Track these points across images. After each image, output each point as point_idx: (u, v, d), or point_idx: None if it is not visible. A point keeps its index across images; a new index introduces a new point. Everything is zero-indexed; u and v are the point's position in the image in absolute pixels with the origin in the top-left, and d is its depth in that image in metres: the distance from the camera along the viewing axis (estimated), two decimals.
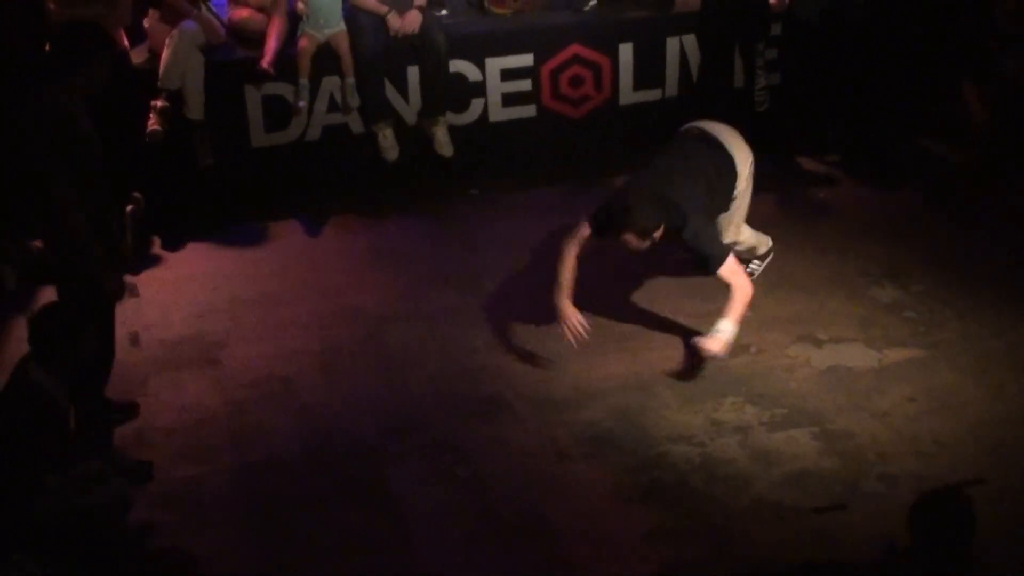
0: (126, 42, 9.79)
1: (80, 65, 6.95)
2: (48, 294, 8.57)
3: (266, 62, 9.83)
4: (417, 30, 10.03)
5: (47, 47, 7.26)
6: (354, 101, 10.14)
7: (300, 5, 9.96)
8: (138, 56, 10.04)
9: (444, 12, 10.73)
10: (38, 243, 8.88)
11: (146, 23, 10.04)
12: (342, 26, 10.00)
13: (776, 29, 10.80)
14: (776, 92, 10.79)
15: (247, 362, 8.30)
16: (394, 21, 10.00)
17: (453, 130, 10.39)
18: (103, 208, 7.12)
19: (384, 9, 10.03)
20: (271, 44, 9.89)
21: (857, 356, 8.08)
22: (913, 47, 10.49)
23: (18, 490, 6.24)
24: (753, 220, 8.93)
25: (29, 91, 7.00)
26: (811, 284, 8.86)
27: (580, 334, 7.89)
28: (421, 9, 10.09)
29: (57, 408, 6.37)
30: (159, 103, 9.61)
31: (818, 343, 8.22)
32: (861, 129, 10.69)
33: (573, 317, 7.91)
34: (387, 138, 10.22)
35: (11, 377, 6.43)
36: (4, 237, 8.92)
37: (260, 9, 10.13)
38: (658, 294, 8.83)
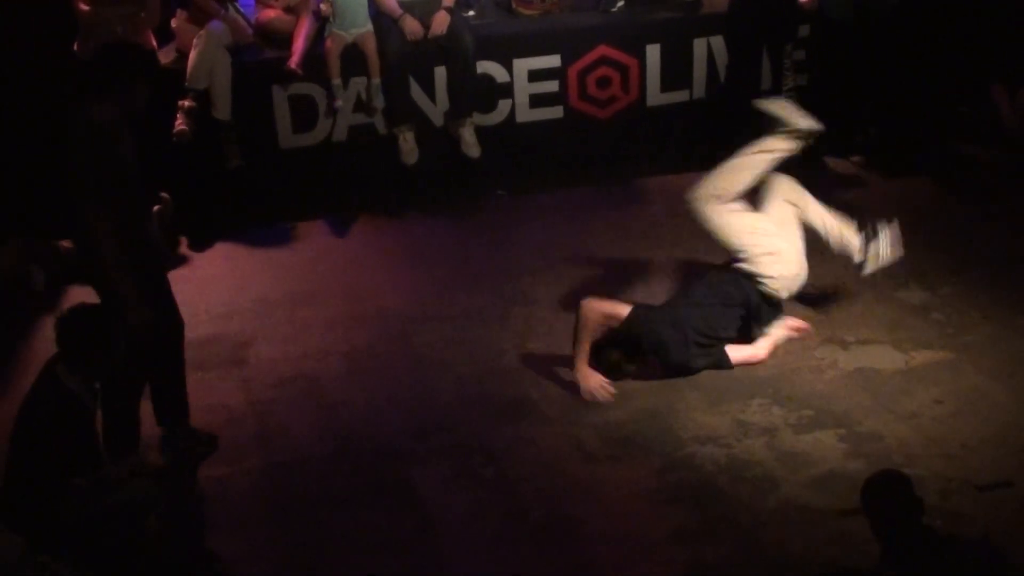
0: (154, 42, 9.81)
1: (124, 86, 6.95)
2: (77, 295, 8.64)
3: (294, 62, 9.85)
4: (445, 31, 10.03)
5: (93, 65, 7.25)
6: (379, 102, 10.15)
7: (324, 7, 9.97)
8: (166, 56, 10.08)
9: (471, 13, 10.73)
10: (66, 243, 8.98)
11: (174, 23, 10.08)
12: (369, 26, 10.01)
13: (804, 30, 10.77)
14: (804, 93, 10.75)
15: (274, 362, 8.32)
16: (410, 25, 10.00)
17: (480, 131, 10.38)
18: (138, 237, 7.08)
19: (398, 12, 10.03)
20: (299, 44, 9.91)
21: (884, 358, 8.05)
22: (943, 48, 10.46)
23: (45, 491, 6.26)
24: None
25: (73, 108, 7.02)
26: (839, 287, 8.81)
27: (605, 396, 7.85)
28: (449, 10, 10.10)
29: (84, 410, 6.38)
30: (187, 103, 9.63)
31: (845, 345, 8.19)
32: (889, 130, 10.65)
33: (595, 380, 7.87)
34: (408, 141, 10.21)
35: (38, 378, 6.44)
36: (33, 237, 8.95)
37: (287, 10, 10.15)
38: None
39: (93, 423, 6.50)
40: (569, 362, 8.04)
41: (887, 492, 5.61)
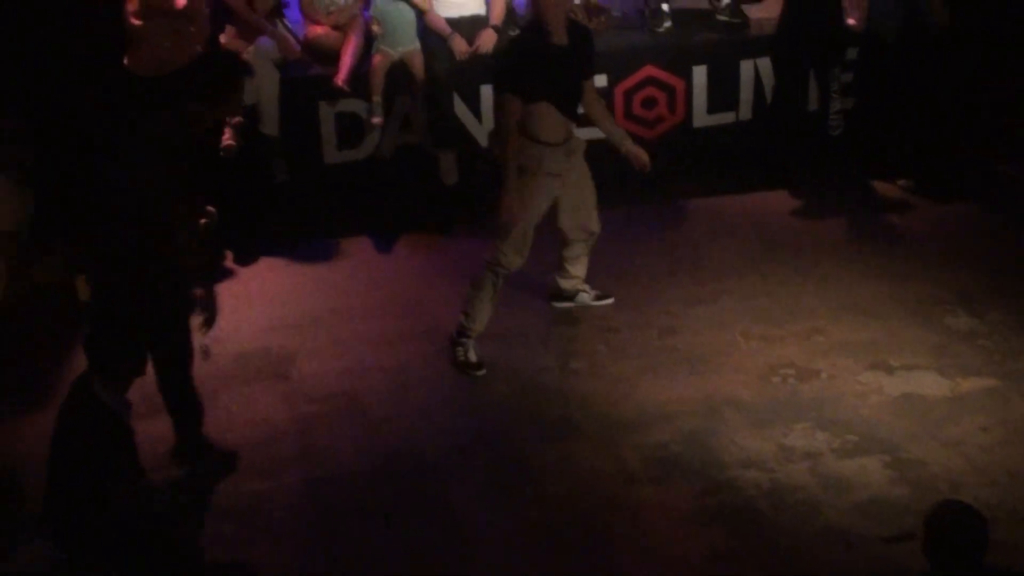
0: None
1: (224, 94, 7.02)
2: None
3: (341, 79, 9.86)
4: (491, 50, 10.04)
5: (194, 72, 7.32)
6: (424, 120, 10.15)
7: (375, 27, 9.98)
8: None
9: (517, 32, 10.71)
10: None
11: (223, 39, 10.11)
12: (416, 44, 10.02)
13: (852, 53, 10.72)
14: (850, 116, 10.71)
15: (316, 377, 8.33)
16: (459, 44, 10.01)
17: None
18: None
19: (447, 31, 10.04)
20: (346, 61, 9.92)
21: (930, 384, 8.00)
22: (990, 70, 10.40)
23: (83, 503, 6.27)
24: (822, 246, 8.88)
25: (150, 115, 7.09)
26: (884, 310, 8.77)
27: None
28: (496, 29, 10.10)
29: (117, 421, 6.39)
30: (234, 118, 9.65)
31: (890, 370, 8.14)
32: (936, 153, 10.59)
33: None
34: (448, 162, 10.18)
35: (71, 391, 6.46)
36: (78, 246, 8.99)
37: (335, 27, 10.17)
38: (728, 317, 8.78)
39: (128, 434, 6.51)
40: (612, 383, 8.03)
41: (956, 524, 5.45)
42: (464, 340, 8.37)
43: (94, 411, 6.32)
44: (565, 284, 8.88)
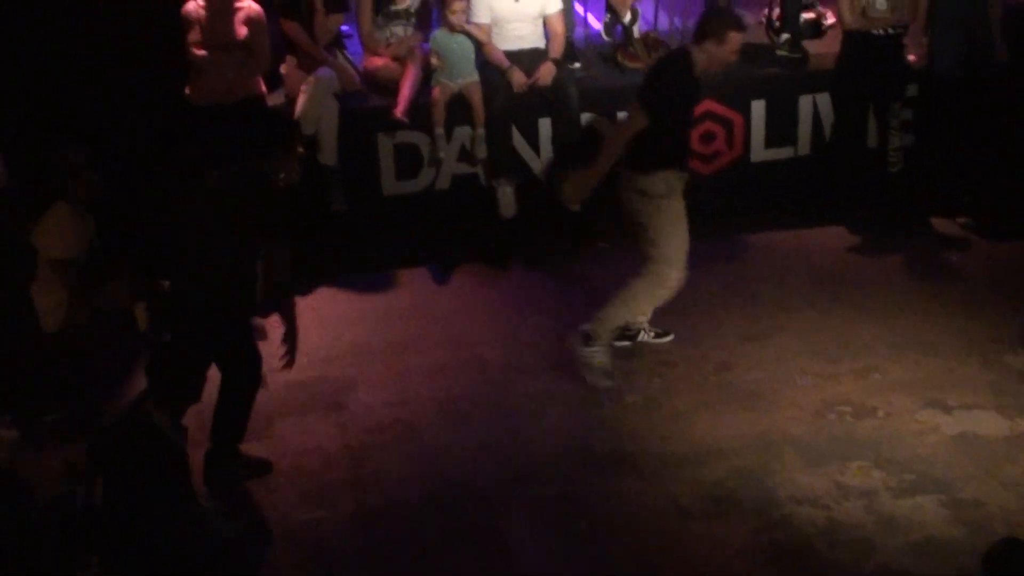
0: (263, 87, 9.92)
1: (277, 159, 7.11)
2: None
3: (400, 111, 9.90)
4: (550, 83, 10.06)
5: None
6: (482, 152, 10.17)
7: (434, 60, 10.02)
8: (274, 101, 10.17)
9: (577, 65, 10.74)
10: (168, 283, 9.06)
11: (283, 69, 10.18)
12: (475, 76, 10.06)
13: (912, 89, 10.68)
14: (909, 152, 10.66)
15: (371, 407, 8.35)
16: (517, 77, 10.03)
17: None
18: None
19: (506, 63, 10.08)
20: (405, 93, 9.95)
21: (988, 423, 7.93)
22: None
23: (138, 528, 6.30)
24: (880, 283, 8.85)
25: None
26: (942, 348, 8.72)
27: None
28: (555, 62, 10.12)
29: (172, 446, 6.43)
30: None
31: (948, 409, 8.08)
32: (995, 191, 10.52)
33: None
34: (507, 195, 10.19)
35: (128, 415, 6.50)
36: (140, 275, 9.05)
37: (395, 58, 10.22)
38: (784, 353, 8.75)
39: (184, 459, 6.55)
40: (667, 417, 8.00)
41: (1013, 564, 5.38)
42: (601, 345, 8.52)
43: (149, 435, 6.37)
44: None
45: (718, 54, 8.18)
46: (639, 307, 8.57)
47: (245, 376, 7.36)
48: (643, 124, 8.16)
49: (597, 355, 8.48)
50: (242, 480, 7.55)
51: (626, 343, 8.87)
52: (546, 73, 10.06)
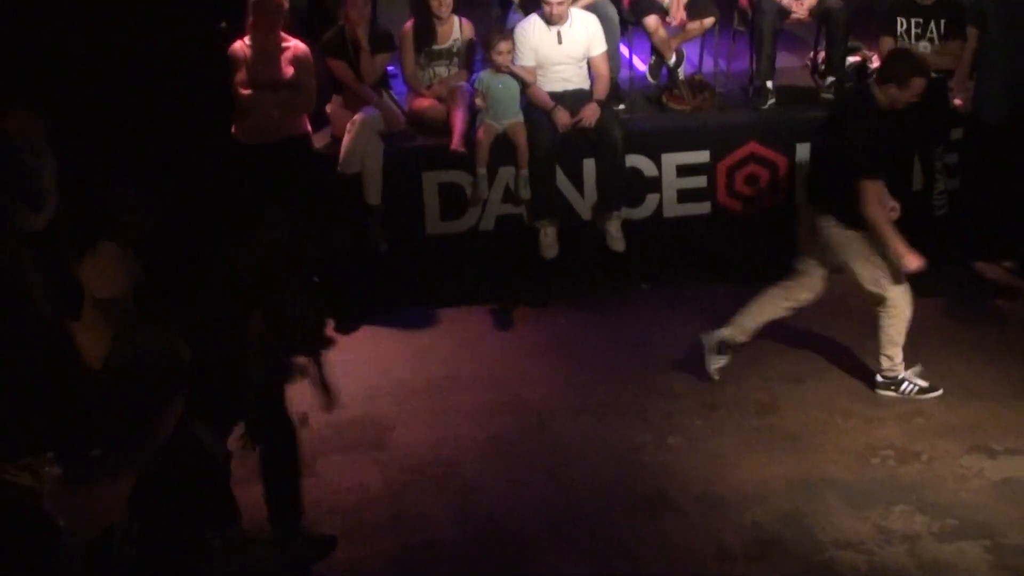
0: (309, 127, 9.99)
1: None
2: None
3: (455, 144, 9.91)
4: (593, 124, 10.08)
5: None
6: (526, 193, 10.19)
7: (479, 101, 10.06)
8: (320, 140, 10.24)
9: (622, 107, 10.77)
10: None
11: (328, 108, 10.26)
12: (520, 117, 10.09)
13: (956, 133, 10.64)
14: (954, 196, 10.62)
15: (411, 447, 8.36)
16: (561, 116, 10.06)
17: (627, 224, 10.34)
18: None
19: (550, 104, 10.11)
20: (457, 126, 9.95)
21: None
22: None
23: (179, 545, 6.32)
24: (924, 326, 8.82)
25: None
26: (987, 392, 8.67)
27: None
28: (600, 103, 10.15)
29: (215, 463, 6.44)
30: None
31: (992, 453, 8.03)
32: None
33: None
34: (548, 236, 10.20)
35: (172, 434, 6.53)
36: (184, 313, 9.10)
37: (438, 98, 10.26)
38: (827, 395, 8.72)
39: (226, 477, 6.56)
40: (709, 459, 7.99)
41: None
42: (902, 378, 8.72)
43: (189, 450, 6.39)
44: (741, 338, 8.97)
45: (900, 96, 8.36)
46: (898, 338, 8.70)
47: (279, 447, 7.29)
48: (878, 187, 8.32)
49: (912, 387, 8.69)
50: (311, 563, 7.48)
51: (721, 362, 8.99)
52: (590, 113, 10.08)
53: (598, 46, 10.22)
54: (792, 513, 7.57)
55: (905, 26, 10.09)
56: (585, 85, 10.30)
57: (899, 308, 8.55)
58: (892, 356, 8.67)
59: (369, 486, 7.98)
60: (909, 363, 8.69)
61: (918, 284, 9.41)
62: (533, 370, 9.23)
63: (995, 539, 7.24)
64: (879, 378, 8.73)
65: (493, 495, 7.87)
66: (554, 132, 10.09)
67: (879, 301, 8.58)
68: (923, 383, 8.67)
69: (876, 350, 8.70)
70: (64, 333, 8.25)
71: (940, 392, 8.64)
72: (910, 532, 7.35)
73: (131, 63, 10.22)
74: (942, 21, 10.06)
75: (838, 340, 9.35)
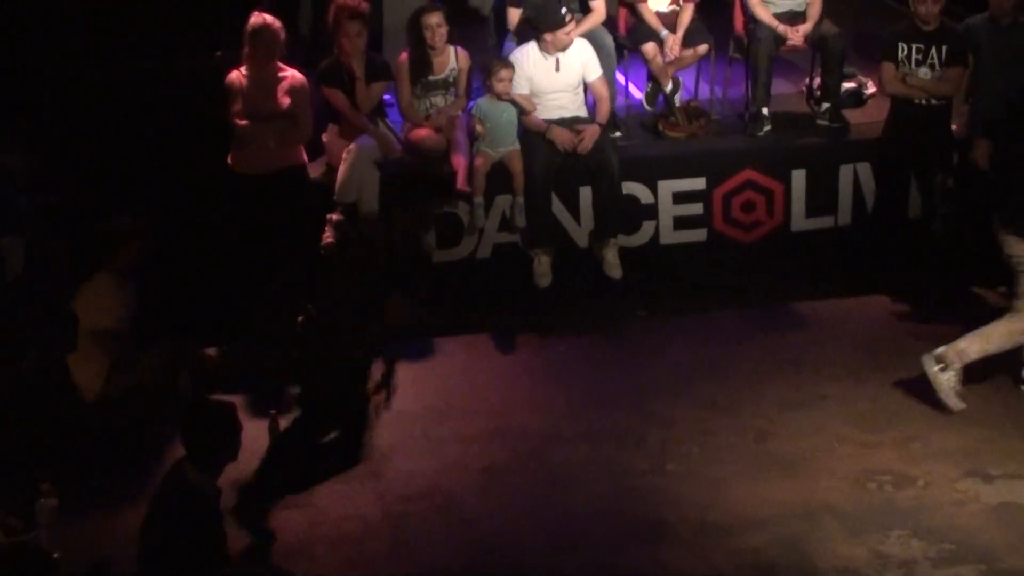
0: (305, 157, 10.01)
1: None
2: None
3: (461, 183, 9.93)
4: (591, 147, 10.08)
5: None
6: (522, 221, 10.19)
7: (479, 127, 10.07)
8: (316, 170, 10.26)
9: (618, 134, 10.80)
10: (212, 352, 9.15)
11: (324, 138, 10.28)
12: (516, 145, 10.11)
13: (955, 158, 10.65)
14: (952, 221, 10.63)
15: (410, 475, 8.36)
16: (559, 134, 10.08)
17: (623, 251, 10.36)
18: None
19: (544, 126, 10.14)
20: (460, 163, 9.98)
21: None
22: None
23: None
24: (921, 352, 8.84)
25: None
26: (984, 418, 8.67)
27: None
28: (601, 125, 10.17)
29: (209, 507, 6.45)
30: (335, 216, 9.78)
31: (989, 479, 8.03)
32: None
33: None
34: (542, 264, 10.21)
35: (166, 476, 6.54)
36: (180, 344, 9.12)
37: (437, 129, 10.27)
38: (824, 421, 8.72)
39: (218, 519, 6.56)
40: (706, 485, 7.99)
41: None
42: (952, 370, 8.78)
43: (181, 493, 6.39)
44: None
45: None
46: (992, 344, 8.74)
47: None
48: None
49: (948, 380, 8.69)
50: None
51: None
52: (591, 134, 10.10)
53: (594, 70, 10.27)
54: (790, 539, 7.57)
55: (906, 52, 10.11)
56: (582, 112, 10.35)
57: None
58: (969, 351, 8.71)
59: (367, 515, 7.97)
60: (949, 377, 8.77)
61: (916, 310, 9.47)
62: (530, 398, 9.23)
63: (991, 564, 7.25)
64: (942, 349, 8.76)
65: (491, 523, 7.87)
66: (550, 160, 10.10)
67: (1015, 309, 8.77)
68: (958, 389, 8.71)
69: (864, 375, 8.75)
70: (60, 365, 8.25)
71: (958, 408, 8.68)
72: (907, 557, 7.35)
73: (127, 92, 10.27)
74: (943, 47, 10.08)
75: (834, 366, 9.36)
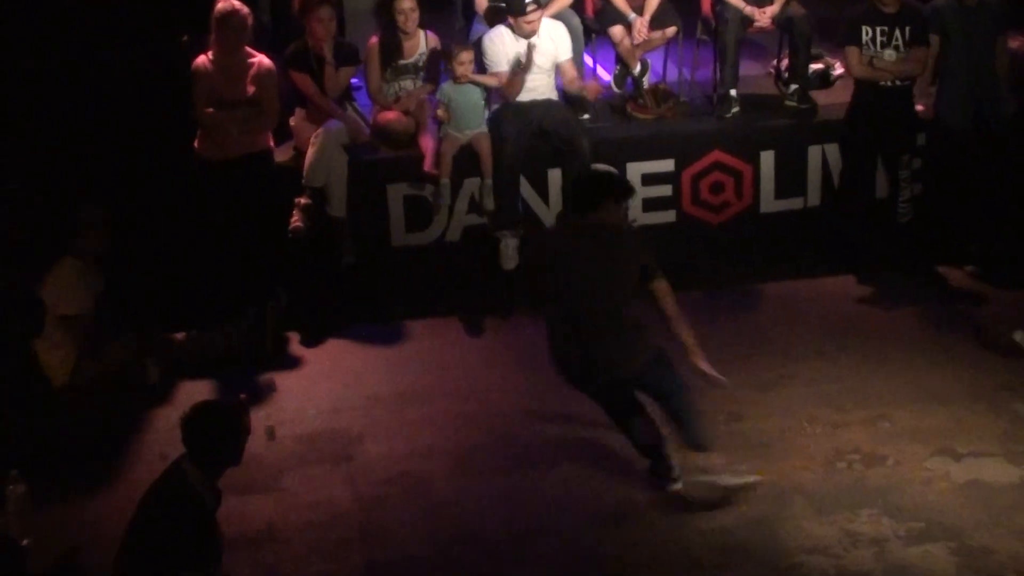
0: (272, 141, 9.97)
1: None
2: (190, 389, 8.76)
3: (428, 165, 9.92)
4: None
5: None
6: (491, 203, 10.17)
7: (440, 112, 10.06)
8: (283, 154, 10.23)
9: (587, 116, 10.79)
10: (180, 336, 9.12)
11: (292, 122, 10.24)
12: (484, 128, 10.10)
13: (920, 139, 10.68)
14: (918, 202, 10.66)
15: (380, 459, 8.35)
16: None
17: None
18: None
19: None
20: (428, 146, 9.99)
21: (998, 471, 7.90)
22: None
23: None
24: (889, 332, 8.85)
25: None
26: (951, 397, 8.70)
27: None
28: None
29: (203, 507, 6.41)
30: (303, 200, 9.75)
31: (957, 457, 8.06)
32: (1003, 240, 10.52)
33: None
34: (509, 247, 10.18)
35: (164, 473, 6.49)
36: (147, 331, 9.09)
37: (406, 112, 10.25)
38: (793, 402, 8.74)
39: (212, 521, 6.51)
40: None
41: None
42: None
43: (177, 490, 6.35)
44: None
45: None
46: None
47: None
48: None
49: None
50: None
51: None
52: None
53: (565, 51, 10.27)
54: (760, 519, 7.58)
55: (871, 34, 10.12)
56: (553, 95, 10.35)
57: None
58: None
59: (337, 500, 7.95)
60: None
61: (883, 290, 9.50)
62: (500, 380, 9.23)
63: (961, 541, 7.27)
64: None
65: (462, 507, 7.86)
66: (518, 142, 10.08)
67: None
68: None
69: (832, 355, 8.80)
70: (27, 351, 8.21)
71: None
72: (877, 535, 7.37)
73: (91, 78, 10.21)
74: (907, 28, 10.11)
75: (801, 347, 9.38)
